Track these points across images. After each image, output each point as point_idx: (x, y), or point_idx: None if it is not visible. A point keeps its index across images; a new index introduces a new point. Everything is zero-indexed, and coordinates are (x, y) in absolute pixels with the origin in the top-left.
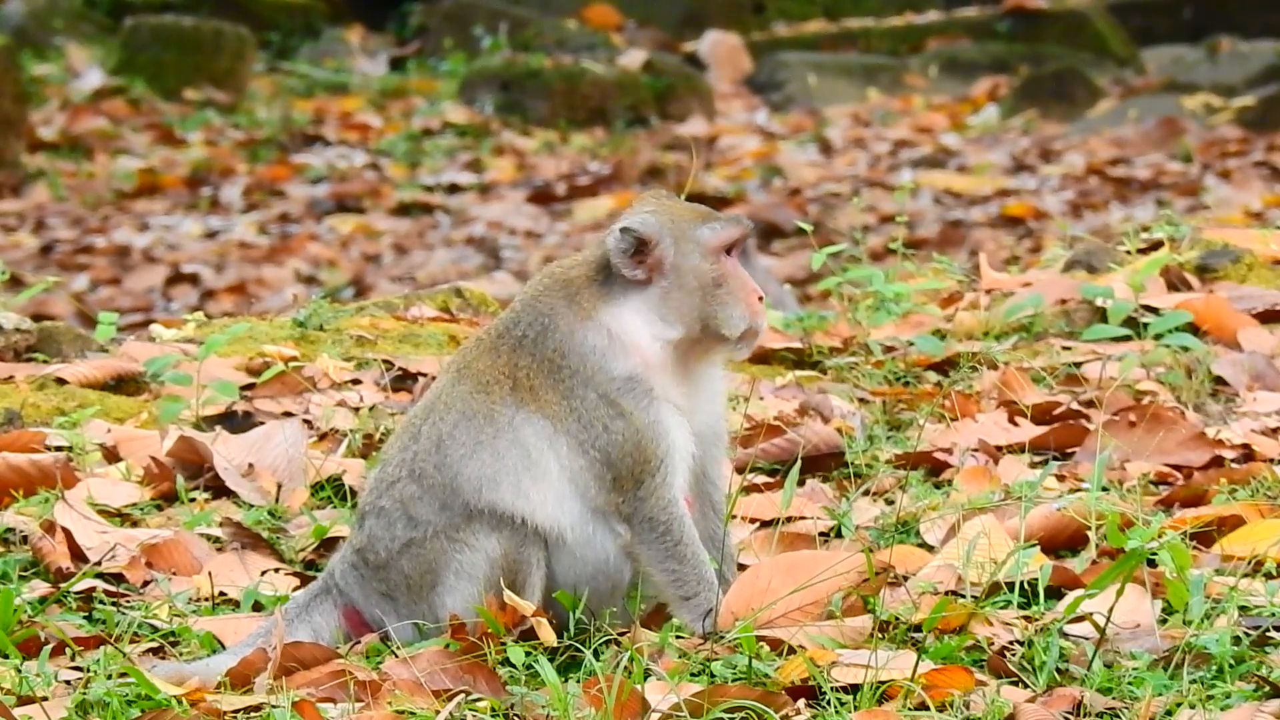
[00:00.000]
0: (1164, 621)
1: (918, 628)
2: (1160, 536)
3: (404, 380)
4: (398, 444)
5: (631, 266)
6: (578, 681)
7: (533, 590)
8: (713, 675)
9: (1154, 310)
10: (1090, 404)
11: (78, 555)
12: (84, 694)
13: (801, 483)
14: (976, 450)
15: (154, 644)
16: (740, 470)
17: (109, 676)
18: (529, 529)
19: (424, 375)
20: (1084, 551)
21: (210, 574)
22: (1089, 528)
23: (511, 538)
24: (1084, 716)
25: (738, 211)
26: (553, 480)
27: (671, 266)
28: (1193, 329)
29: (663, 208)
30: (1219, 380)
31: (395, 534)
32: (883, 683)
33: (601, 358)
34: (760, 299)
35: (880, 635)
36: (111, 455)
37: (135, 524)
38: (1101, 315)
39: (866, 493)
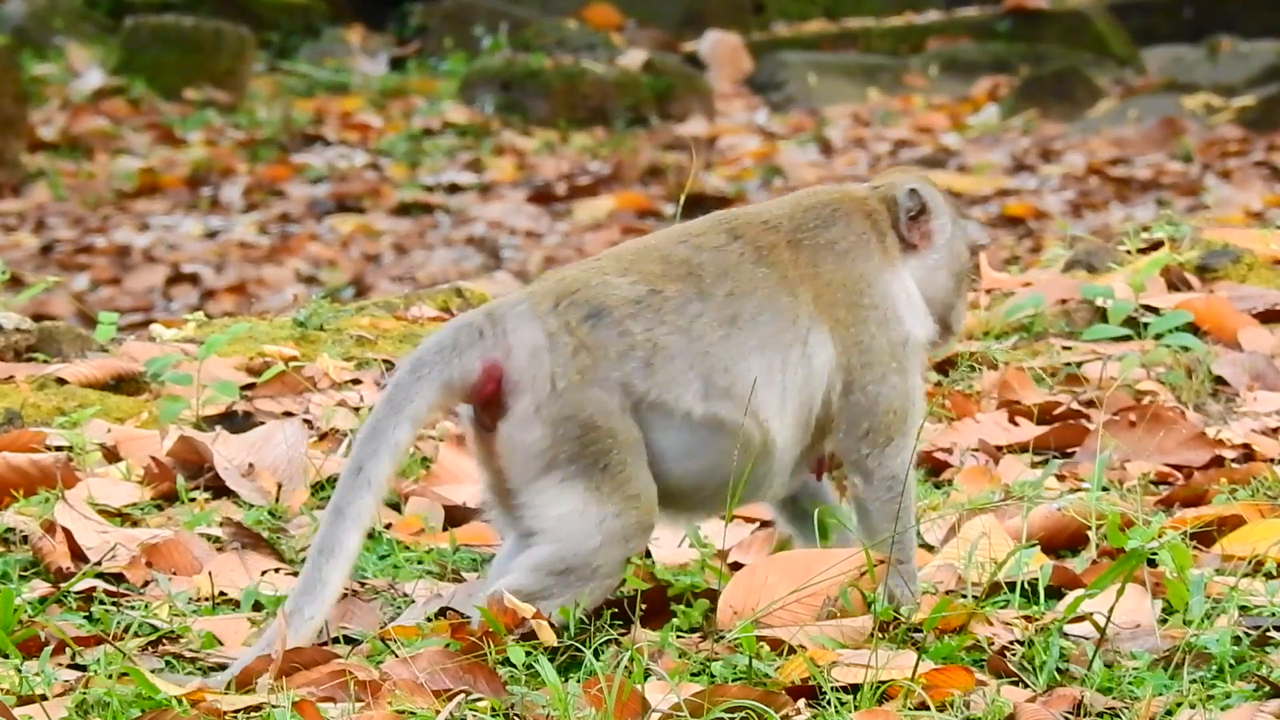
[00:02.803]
0: (1164, 621)
1: (918, 628)
2: (1160, 536)
3: None
4: (675, 284)
5: (909, 228)
6: (578, 681)
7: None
8: (713, 675)
9: (1154, 310)
10: (1090, 404)
11: (78, 555)
12: (84, 694)
13: None
14: (976, 450)
15: (153, 641)
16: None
17: (109, 676)
18: (759, 446)
19: None
20: (1084, 551)
21: (210, 574)
22: (1089, 528)
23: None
24: (1084, 716)
25: None
26: (809, 412)
27: (945, 243)
28: (1193, 329)
29: (941, 190)
30: (1219, 380)
31: (627, 369)
32: (883, 683)
33: (905, 310)
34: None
35: (880, 635)
36: (111, 455)
37: (135, 524)
38: (1102, 315)
39: None
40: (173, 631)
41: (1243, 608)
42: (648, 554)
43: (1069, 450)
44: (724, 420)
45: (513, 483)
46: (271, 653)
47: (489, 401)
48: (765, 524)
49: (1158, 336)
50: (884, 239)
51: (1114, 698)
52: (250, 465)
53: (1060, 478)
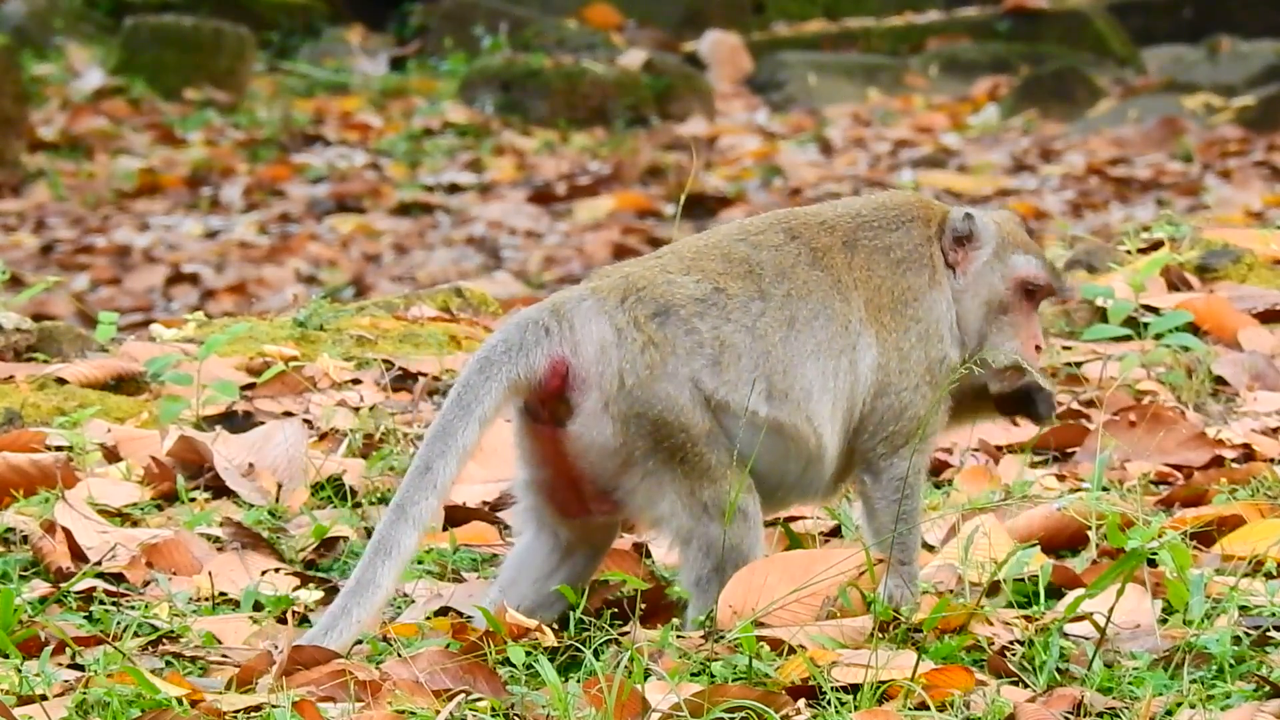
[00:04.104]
0: (1164, 621)
1: (918, 628)
2: (1160, 536)
3: (404, 380)
4: (737, 283)
5: (951, 248)
6: (578, 681)
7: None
8: (713, 675)
9: (1154, 310)
10: (1090, 404)
11: (78, 555)
12: (84, 694)
13: None
14: (976, 450)
15: (153, 641)
16: None
17: (109, 676)
18: (813, 450)
19: (424, 375)
20: (1084, 551)
21: (210, 574)
22: (1089, 528)
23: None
24: (1084, 716)
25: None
26: (852, 416)
27: (975, 273)
28: (1193, 329)
29: (1007, 225)
30: (1219, 380)
31: (695, 366)
32: (883, 683)
33: (948, 332)
34: (1039, 350)
35: (880, 635)
36: (112, 455)
37: (135, 524)
38: (1102, 315)
39: None
40: (173, 631)
41: (1243, 608)
42: (648, 554)
43: (1069, 450)
44: (783, 423)
45: (595, 481)
46: (323, 643)
47: (551, 396)
48: (766, 524)
49: (1158, 336)
50: (935, 256)
51: (1114, 698)
52: (250, 465)
53: (1060, 478)
